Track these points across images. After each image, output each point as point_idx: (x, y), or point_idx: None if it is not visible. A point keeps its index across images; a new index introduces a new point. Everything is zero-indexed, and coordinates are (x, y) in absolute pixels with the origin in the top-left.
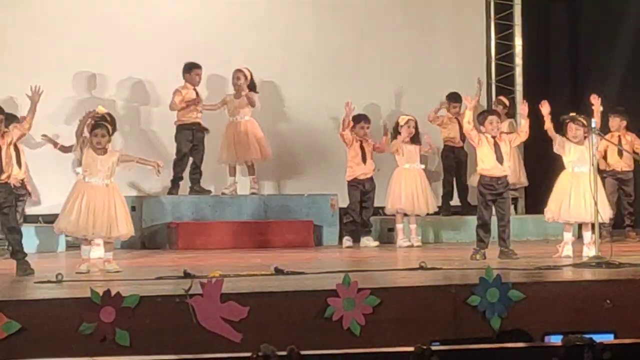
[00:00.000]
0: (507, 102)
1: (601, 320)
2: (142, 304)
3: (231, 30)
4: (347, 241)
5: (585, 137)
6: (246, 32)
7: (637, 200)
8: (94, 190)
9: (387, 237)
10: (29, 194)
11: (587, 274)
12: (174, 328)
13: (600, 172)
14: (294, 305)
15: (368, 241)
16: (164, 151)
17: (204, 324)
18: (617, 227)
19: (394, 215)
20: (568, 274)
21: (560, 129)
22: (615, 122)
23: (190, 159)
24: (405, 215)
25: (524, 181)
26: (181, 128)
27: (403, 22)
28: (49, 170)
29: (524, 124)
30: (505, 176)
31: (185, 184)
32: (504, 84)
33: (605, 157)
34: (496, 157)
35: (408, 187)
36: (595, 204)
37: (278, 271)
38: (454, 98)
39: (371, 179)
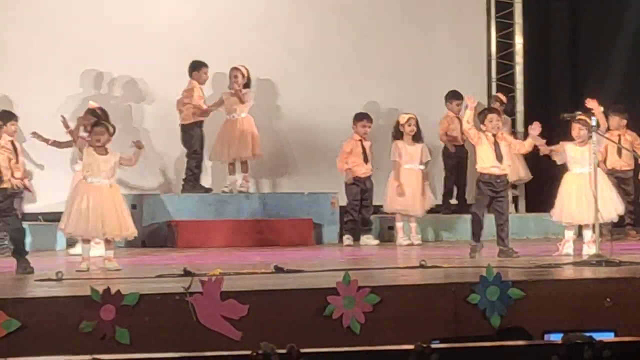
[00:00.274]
0: (504, 99)
1: (601, 318)
2: (142, 302)
3: (231, 29)
4: (347, 239)
5: (589, 137)
6: (246, 32)
7: (637, 199)
8: (98, 191)
9: (387, 236)
10: (28, 189)
11: (588, 272)
12: (174, 326)
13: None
14: (294, 303)
15: (368, 239)
16: (165, 150)
17: (204, 322)
18: (617, 225)
19: (394, 213)
20: (568, 272)
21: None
22: (615, 120)
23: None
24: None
25: (524, 176)
26: (190, 127)
27: (403, 20)
28: (47, 167)
29: (530, 142)
30: (505, 175)
31: (179, 182)
32: (505, 83)
33: (605, 157)
34: (495, 155)
35: (406, 188)
36: (596, 202)
37: (278, 269)
38: (455, 96)
39: (370, 177)
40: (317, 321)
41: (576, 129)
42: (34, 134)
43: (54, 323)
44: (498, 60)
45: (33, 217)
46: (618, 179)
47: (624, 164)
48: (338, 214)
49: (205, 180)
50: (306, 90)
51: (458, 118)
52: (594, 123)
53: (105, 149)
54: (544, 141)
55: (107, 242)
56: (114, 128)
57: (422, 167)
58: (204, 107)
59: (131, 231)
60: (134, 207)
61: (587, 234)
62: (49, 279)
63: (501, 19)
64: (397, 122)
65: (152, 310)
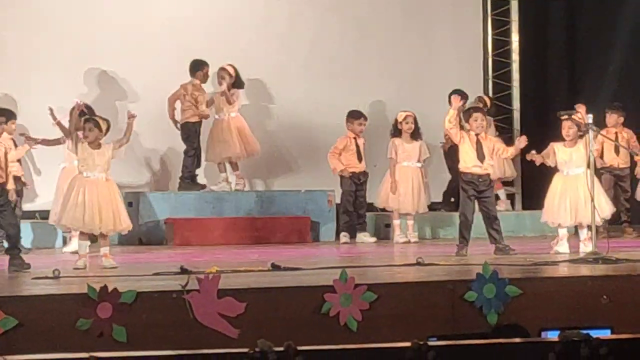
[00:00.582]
0: (487, 101)
1: (598, 315)
2: (139, 299)
3: (230, 29)
4: (344, 237)
5: (581, 137)
6: (245, 31)
7: (633, 196)
8: (94, 184)
9: (383, 233)
10: (25, 184)
11: (584, 270)
12: (171, 324)
13: (596, 169)
14: (291, 301)
15: (365, 237)
16: (162, 148)
17: (201, 319)
18: (613, 223)
19: (391, 211)
20: (565, 270)
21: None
22: (612, 118)
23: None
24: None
25: (510, 174)
26: (192, 125)
27: (401, 19)
28: (45, 165)
29: (513, 152)
30: (487, 174)
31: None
32: (501, 80)
33: (602, 154)
34: (477, 155)
35: (402, 186)
36: (592, 200)
37: (275, 267)
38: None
39: (364, 172)
40: (314, 319)
41: (566, 128)
42: (23, 134)
43: (51, 321)
44: (494, 57)
45: (30, 214)
46: (616, 177)
47: (621, 161)
48: (335, 212)
49: (200, 178)
50: (305, 90)
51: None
52: (589, 121)
53: (98, 144)
54: (534, 152)
55: (103, 237)
56: (108, 123)
57: (419, 164)
58: (207, 112)
59: (126, 225)
60: (130, 204)
61: (583, 233)
62: (46, 277)
63: (497, 17)
64: (395, 120)
65: (149, 307)
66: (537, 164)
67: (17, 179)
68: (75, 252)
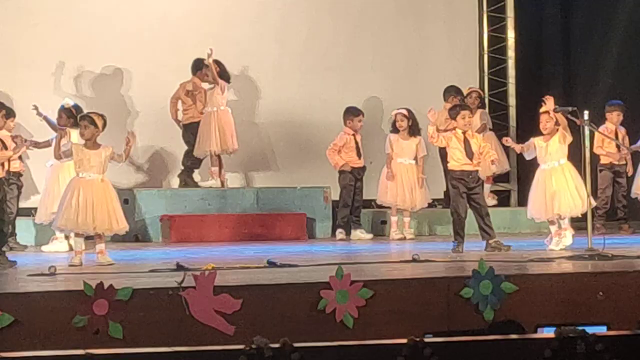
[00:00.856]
0: (481, 93)
1: (594, 312)
2: (135, 296)
3: (224, 24)
4: (339, 234)
5: (556, 130)
6: (239, 26)
7: (628, 193)
8: (89, 185)
9: (380, 230)
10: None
11: (580, 266)
12: (167, 321)
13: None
14: (287, 297)
15: (362, 234)
16: (158, 145)
17: (197, 316)
18: (610, 219)
19: (388, 207)
20: (561, 266)
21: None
22: (614, 115)
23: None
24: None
25: (506, 167)
26: (194, 125)
27: (396, 15)
28: (43, 162)
29: (496, 155)
30: (476, 171)
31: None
32: (497, 77)
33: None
34: (466, 153)
35: (401, 183)
36: (588, 195)
37: (271, 264)
38: (454, 91)
39: (363, 167)
40: (310, 315)
41: (543, 121)
42: (13, 138)
43: (47, 318)
44: (490, 54)
45: (27, 212)
46: (615, 173)
47: (621, 157)
48: (331, 208)
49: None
50: (299, 84)
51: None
52: (585, 117)
53: (95, 143)
54: (508, 138)
55: (99, 236)
56: (104, 119)
57: (412, 161)
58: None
59: (122, 226)
60: (126, 201)
61: (560, 224)
62: (42, 274)
63: (493, 13)
64: (392, 118)
65: (145, 304)
66: (517, 152)
67: (17, 175)
68: (56, 252)
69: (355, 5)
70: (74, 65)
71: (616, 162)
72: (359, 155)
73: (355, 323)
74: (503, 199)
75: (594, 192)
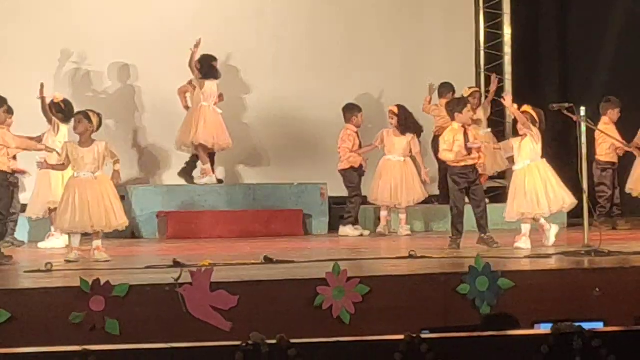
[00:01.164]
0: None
1: (591, 308)
2: (132, 293)
3: (221, 20)
4: (355, 230)
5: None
6: (237, 23)
7: (622, 190)
8: (83, 184)
9: (376, 226)
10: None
11: (577, 263)
12: (164, 317)
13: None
14: (283, 294)
15: (356, 230)
16: (155, 141)
17: (194, 313)
18: (607, 216)
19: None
20: (558, 263)
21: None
22: (614, 113)
23: None
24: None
25: (503, 165)
26: None
27: (392, 11)
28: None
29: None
30: (475, 164)
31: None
32: (493, 73)
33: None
34: (466, 146)
35: (388, 180)
36: (586, 193)
37: (268, 260)
38: (450, 88)
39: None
40: (307, 312)
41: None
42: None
43: (44, 314)
44: (487, 50)
45: (23, 208)
46: (614, 172)
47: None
48: (327, 205)
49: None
50: (296, 82)
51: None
52: (582, 113)
53: (88, 140)
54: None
55: (95, 232)
56: (100, 117)
57: (401, 158)
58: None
59: (120, 222)
60: (122, 198)
61: (527, 228)
62: (39, 270)
63: (490, 10)
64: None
65: (141, 301)
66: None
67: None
68: (53, 249)
69: (352, 2)
70: (69, 63)
71: (616, 160)
72: None
73: (352, 319)
74: (498, 196)
75: (594, 190)
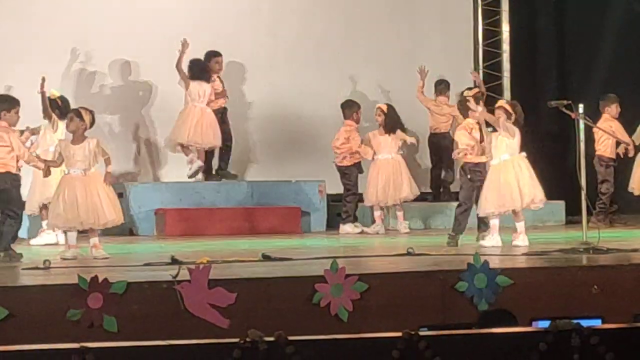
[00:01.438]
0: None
1: (589, 305)
2: (130, 290)
3: (216, 15)
4: (355, 227)
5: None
6: (232, 18)
7: (620, 187)
8: (73, 180)
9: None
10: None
11: (575, 260)
12: (162, 314)
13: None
14: (281, 291)
15: (357, 227)
16: (153, 138)
17: (192, 310)
18: (604, 212)
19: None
20: (556, 260)
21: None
22: (614, 109)
23: None
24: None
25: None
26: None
27: (390, 8)
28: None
29: None
30: (485, 162)
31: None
32: (492, 70)
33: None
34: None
35: (381, 179)
36: (583, 189)
37: (266, 257)
38: (445, 85)
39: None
40: (305, 309)
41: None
42: None
43: (42, 311)
44: (485, 48)
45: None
46: (615, 169)
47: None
48: (325, 202)
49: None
50: (292, 77)
51: (447, 105)
52: (580, 111)
53: (80, 137)
54: None
55: (91, 229)
56: (92, 115)
57: (389, 156)
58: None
59: (111, 219)
60: (120, 195)
61: (520, 226)
62: (37, 267)
63: (488, 7)
64: None
65: (139, 298)
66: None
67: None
68: (44, 245)
69: None
70: (67, 59)
71: (616, 157)
72: None
73: (350, 316)
74: None
75: (593, 187)
